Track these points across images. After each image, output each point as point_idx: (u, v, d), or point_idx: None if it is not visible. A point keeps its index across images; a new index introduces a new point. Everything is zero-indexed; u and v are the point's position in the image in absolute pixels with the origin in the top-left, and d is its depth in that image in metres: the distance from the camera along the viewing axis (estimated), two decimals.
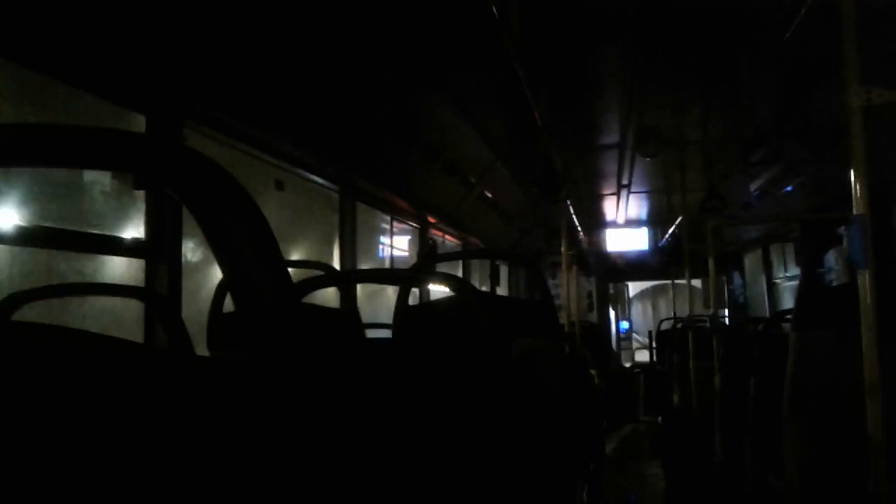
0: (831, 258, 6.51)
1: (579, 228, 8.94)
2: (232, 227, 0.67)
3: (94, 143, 0.63)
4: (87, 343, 0.60)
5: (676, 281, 12.20)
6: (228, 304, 2.66)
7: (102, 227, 2.63)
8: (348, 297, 2.84)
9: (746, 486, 3.95)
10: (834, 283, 6.26)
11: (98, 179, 2.65)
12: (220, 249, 0.67)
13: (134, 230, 2.64)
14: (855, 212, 2.23)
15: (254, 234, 0.69)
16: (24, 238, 2.22)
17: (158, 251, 2.49)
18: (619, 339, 13.78)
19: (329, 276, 2.54)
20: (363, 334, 2.77)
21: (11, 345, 0.55)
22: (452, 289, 1.91)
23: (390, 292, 5.23)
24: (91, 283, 2.52)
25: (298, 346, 0.70)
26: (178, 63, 2.49)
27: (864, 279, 2.21)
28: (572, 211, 7.54)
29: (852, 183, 2.23)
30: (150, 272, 2.50)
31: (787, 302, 8.83)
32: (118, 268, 2.64)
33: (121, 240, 2.61)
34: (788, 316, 3.92)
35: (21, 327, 0.62)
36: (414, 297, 3.74)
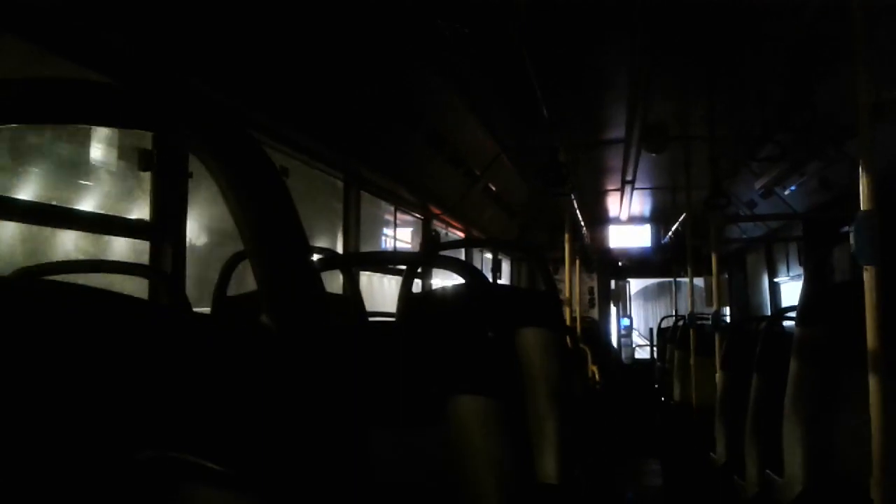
0: (834, 257, 6.50)
1: (582, 224, 8.92)
2: (257, 193, 0.66)
3: (117, 99, 0.62)
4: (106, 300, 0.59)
5: (678, 279, 12.19)
6: (232, 287, 2.66)
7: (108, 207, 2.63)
8: (351, 282, 2.83)
9: (746, 483, 3.95)
10: (837, 281, 6.26)
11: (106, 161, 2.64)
12: (243, 217, 0.66)
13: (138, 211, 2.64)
14: (862, 208, 2.22)
15: (277, 204, 0.69)
16: (27, 215, 2.22)
17: (164, 232, 2.49)
18: (619, 335, 13.77)
19: (331, 259, 2.53)
20: (366, 318, 2.77)
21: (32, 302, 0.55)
22: (460, 274, 1.90)
23: (394, 287, 5.23)
24: (99, 259, 2.53)
25: (317, 321, 0.69)
26: (181, 43, 2.47)
27: (871, 276, 2.20)
28: (576, 205, 7.52)
29: (859, 179, 2.22)
30: (154, 253, 2.50)
31: (789, 301, 8.80)
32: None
33: (125, 220, 2.61)
34: (790, 314, 3.92)
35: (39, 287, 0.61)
36: (416, 289, 3.74)
